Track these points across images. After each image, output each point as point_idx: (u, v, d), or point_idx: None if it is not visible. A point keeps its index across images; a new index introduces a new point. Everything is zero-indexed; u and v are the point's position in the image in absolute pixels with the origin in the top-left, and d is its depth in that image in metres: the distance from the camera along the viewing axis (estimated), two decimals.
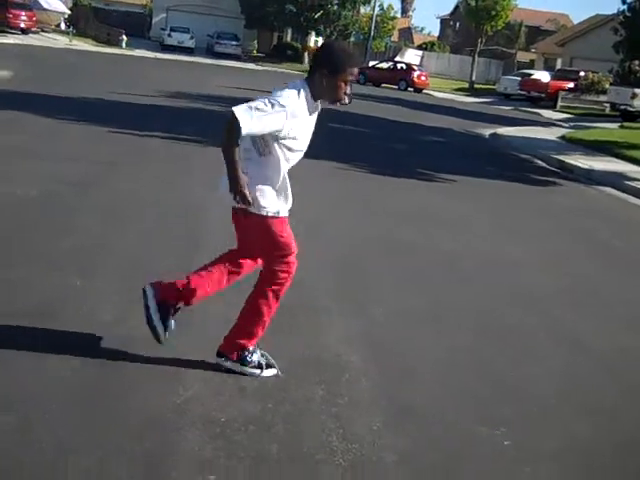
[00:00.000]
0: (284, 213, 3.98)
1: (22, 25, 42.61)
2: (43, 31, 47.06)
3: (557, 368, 4.79)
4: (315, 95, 3.90)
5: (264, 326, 4.08)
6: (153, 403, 3.63)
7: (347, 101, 4.07)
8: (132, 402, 3.62)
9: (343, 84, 3.93)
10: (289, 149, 3.87)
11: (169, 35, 51.82)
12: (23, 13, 42.90)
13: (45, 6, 47.88)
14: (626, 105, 30.38)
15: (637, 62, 30.19)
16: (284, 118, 3.70)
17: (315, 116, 4.01)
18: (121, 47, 46.40)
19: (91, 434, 3.29)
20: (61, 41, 43.76)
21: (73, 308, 4.70)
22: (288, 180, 3.96)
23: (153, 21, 58.75)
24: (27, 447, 3.14)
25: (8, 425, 3.28)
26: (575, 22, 64.00)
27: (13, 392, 3.59)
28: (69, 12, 51.59)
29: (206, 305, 4.91)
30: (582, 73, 39.93)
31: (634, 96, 29.70)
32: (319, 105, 3.99)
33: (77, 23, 51.32)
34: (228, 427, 3.49)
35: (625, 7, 32.89)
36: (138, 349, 4.19)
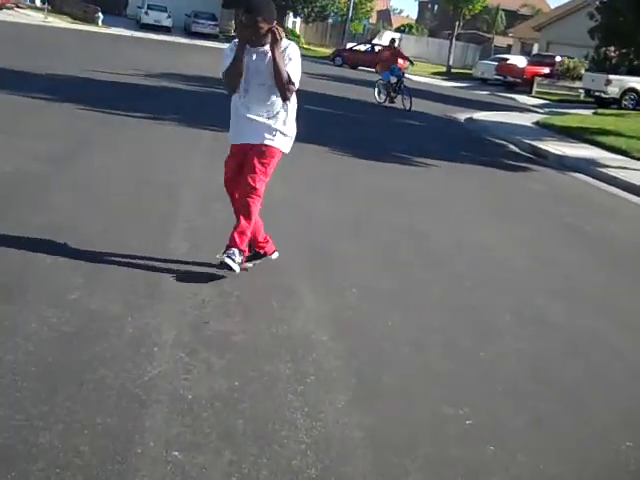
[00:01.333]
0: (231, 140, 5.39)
1: None
2: (18, 6, 46.39)
3: (524, 349, 4.85)
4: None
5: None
6: (121, 379, 3.65)
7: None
8: (99, 378, 3.63)
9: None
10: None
11: (146, 13, 51.19)
12: None
13: None
14: (600, 92, 30.60)
15: (612, 48, 30.31)
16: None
17: (255, 57, 5.08)
18: (97, 25, 45.85)
19: (56, 408, 3.31)
20: (36, 17, 43.14)
21: (42, 284, 4.70)
22: (239, 113, 5.23)
23: None
24: None
25: None
26: (552, 7, 64.15)
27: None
28: None
29: (177, 282, 4.95)
30: (558, 58, 40.15)
31: (608, 83, 29.91)
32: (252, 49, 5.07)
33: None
34: (195, 404, 3.52)
35: None
36: (106, 326, 4.22)
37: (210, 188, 7.61)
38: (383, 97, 21.21)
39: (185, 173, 8.56)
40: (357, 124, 16.56)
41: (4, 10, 42.16)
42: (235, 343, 4.29)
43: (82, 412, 3.32)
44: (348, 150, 11.88)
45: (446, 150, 13.97)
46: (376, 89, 21.59)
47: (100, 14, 47.21)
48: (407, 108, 19.93)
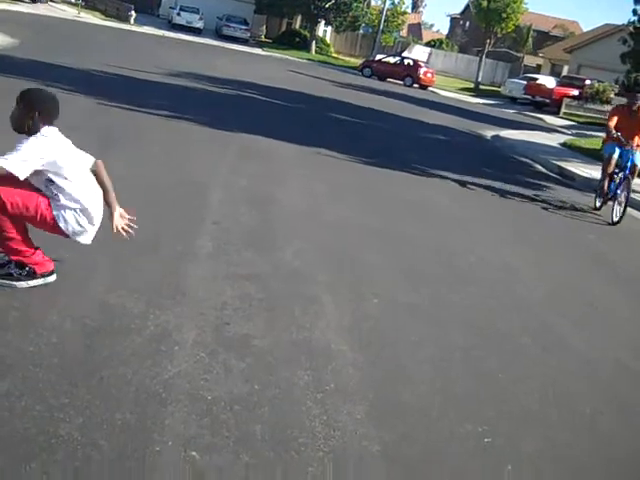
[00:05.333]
0: None
1: None
2: (52, 1, 46.82)
3: (545, 372, 4.82)
4: None
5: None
6: (141, 376, 3.65)
7: None
8: (120, 373, 3.64)
9: None
10: None
11: (178, 14, 51.50)
12: None
13: None
14: None
15: None
16: None
17: None
18: (129, 23, 46.14)
19: (76, 401, 3.31)
20: (69, 12, 43.54)
21: (66, 278, 4.71)
22: None
23: None
24: (14, 412, 3.16)
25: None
26: (584, 30, 63.94)
27: (5, 359, 3.61)
28: None
29: (200, 282, 4.95)
30: (588, 81, 39.94)
31: None
32: None
33: None
34: (214, 405, 3.52)
35: (636, 18, 32.81)
36: (128, 323, 4.23)
37: (235, 189, 7.64)
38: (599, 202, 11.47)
39: (208, 174, 8.59)
40: (382, 135, 16.54)
41: (38, 3, 42.55)
42: (255, 347, 4.28)
43: (102, 406, 3.32)
44: (372, 161, 11.87)
45: (471, 166, 13.92)
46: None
47: (133, 12, 47.49)
48: (615, 219, 10.46)
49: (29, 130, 4.28)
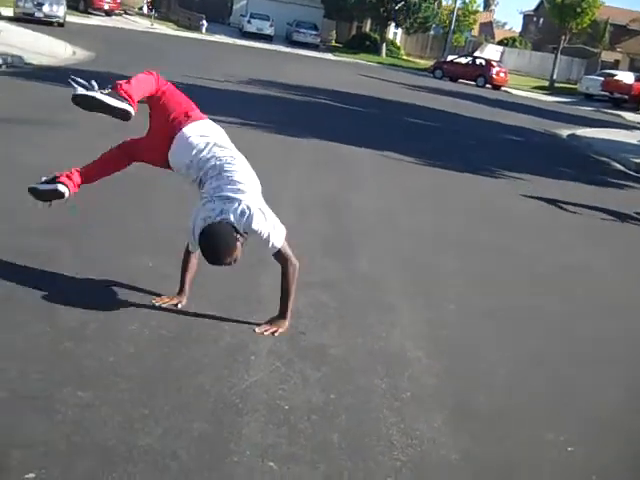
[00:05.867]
0: None
1: (106, 7, 43.62)
2: (126, 13, 47.97)
3: (629, 378, 4.69)
4: None
5: None
6: (218, 386, 3.68)
7: None
8: (197, 383, 3.68)
9: None
10: None
11: (249, 22, 52.08)
12: None
13: None
14: None
15: None
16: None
17: None
18: (201, 32, 46.90)
19: (156, 411, 3.36)
20: (142, 24, 44.50)
21: (142, 286, 4.77)
22: None
23: (234, 7, 59.05)
24: (95, 423, 3.22)
25: (80, 400, 3.37)
26: None
27: (87, 369, 3.68)
28: None
29: (273, 291, 4.95)
30: None
31: None
32: None
33: (159, 7, 52.17)
34: (291, 415, 3.52)
35: None
36: (204, 332, 4.27)
37: (307, 198, 7.65)
38: None
39: (281, 180, 8.63)
40: (454, 137, 16.39)
41: (113, 16, 43.63)
42: (331, 355, 4.27)
43: (180, 417, 3.35)
44: (447, 163, 11.78)
45: (546, 166, 13.68)
46: None
47: (204, 22, 48.26)
48: None
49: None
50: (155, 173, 7.35)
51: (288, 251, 4.34)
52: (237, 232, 4.10)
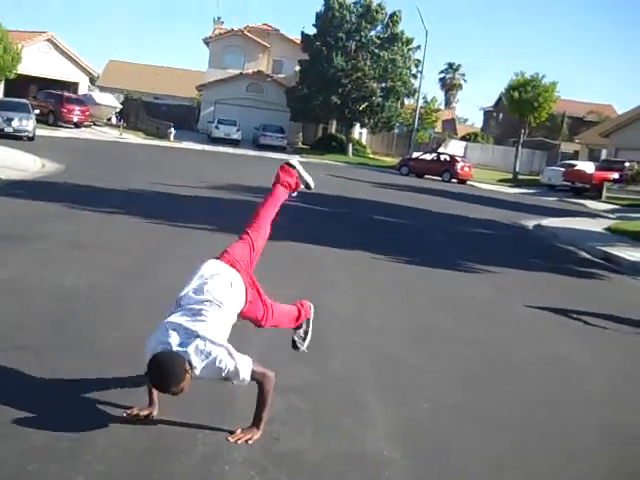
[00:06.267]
0: None
1: (75, 119, 44.21)
2: (95, 125, 48.64)
3: (606, 466, 4.65)
4: None
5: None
6: None
7: None
8: None
9: None
10: None
11: (216, 127, 53.01)
12: (77, 108, 44.57)
13: (98, 101, 49.87)
14: None
15: None
16: None
17: None
18: (170, 140, 47.59)
19: None
20: (112, 134, 45.14)
21: (114, 399, 4.70)
22: None
23: (201, 114, 60.17)
24: None
25: None
26: (619, 112, 64.10)
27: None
28: (120, 106, 53.38)
29: (246, 398, 4.89)
30: (627, 163, 39.87)
31: None
32: None
33: (128, 117, 53.09)
34: None
35: None
36: (177, 443, 4.18)
37: (278, 299, 7.63)
38: None
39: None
40: (423, 233, 16.58)
41: (82, 128, 44.23)
42: (307, 461, 4.20)
43: None
44: (416, 260, 11.87)
45: (514, 258, 13.84)
46: None
47: (172, 129, 49.01)
48: None
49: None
50: (118, 283, 7.35)
51: (260, 368, 4.34)
52: (190, 366, 4.10)
